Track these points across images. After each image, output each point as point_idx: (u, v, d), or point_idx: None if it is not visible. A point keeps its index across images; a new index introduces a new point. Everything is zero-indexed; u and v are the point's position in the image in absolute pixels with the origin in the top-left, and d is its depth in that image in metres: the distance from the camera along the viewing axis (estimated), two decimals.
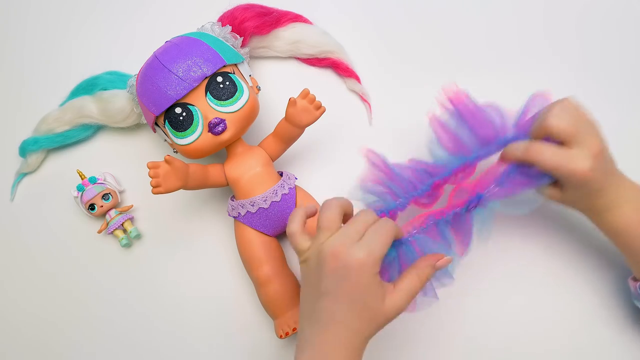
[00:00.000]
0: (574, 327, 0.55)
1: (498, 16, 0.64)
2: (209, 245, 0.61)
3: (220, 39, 0.56)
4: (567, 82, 0.61)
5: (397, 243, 0.45)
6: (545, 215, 0.57)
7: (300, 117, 0.53)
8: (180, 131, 0.52)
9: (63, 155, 0.65)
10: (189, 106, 0.52)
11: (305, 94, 0.52)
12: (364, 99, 0.63)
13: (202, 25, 0.57)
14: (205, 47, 0.53)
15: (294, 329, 0.53)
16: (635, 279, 0.49)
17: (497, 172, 0.47)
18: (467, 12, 0.65)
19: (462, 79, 0.62)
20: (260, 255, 0.55)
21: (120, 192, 0.63)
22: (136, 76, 0.55)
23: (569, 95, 0.46)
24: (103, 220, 0.62)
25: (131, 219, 0.62)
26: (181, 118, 0.52)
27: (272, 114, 0.60)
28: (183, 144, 0.53)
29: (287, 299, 0.54)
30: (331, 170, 0.61)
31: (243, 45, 0.59)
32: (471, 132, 0.47)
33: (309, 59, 0.64)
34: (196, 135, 0.52)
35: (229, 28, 0.57)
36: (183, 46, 0.52)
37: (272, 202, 0.54)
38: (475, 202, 0.46)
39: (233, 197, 0.57)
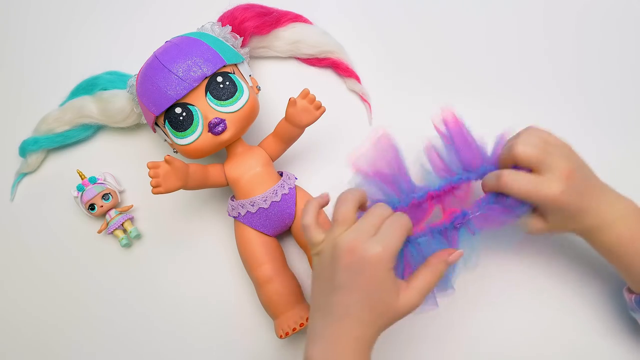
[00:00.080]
0: (570, 338, 0.55)
1: (498, 16, 0.64)
2: (209, 245, 0.61)
3: (220, 39, 0.56)
4: (567, 81, 0.62)
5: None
6: None
7: (300, 117, 0.53)
8: (180, 131, 0.52)
9: (63, 155, 0.65)
10: (189, 106, 0.52)
11: (305, 94, 0.52)
12: (364, 99, 0.63)
13: (202, 25, 0.57)
14: (205, 47, 0.52)
15: (294, 329, 0.53)
16: (630, 291, 0.49)
17: (479, 198, 0.48)
18: (466, 12, 0.65)
19: (463, 78, 0.63)
20: (260, 255, 0.55)
21: (120, 192, 0.63)
22: (136, 76, 0.55)
23: (535, 123, 0.47)
24: (103, 220, 0.62)
25: (131, 219, 0.62)
26: (181, 118, 0.52)
27: (272, 114, 0.60)
28: (183, 144, 0.53)
29: (287, 299, 0.54)
30: (331, 170, 0.60)
31: (243, 45, 0.59)
32: (457, 155, 0.48)
33: (309, 59, 0.64)
34: (196, 135, 0.52)
35: (229, 28, 0.57)
36: (183, 46, 0.52)
37: (272, 202, 0.54)
38: (460, 219, 0.46)
39: (233, 197, 0.57)
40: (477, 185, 0.49)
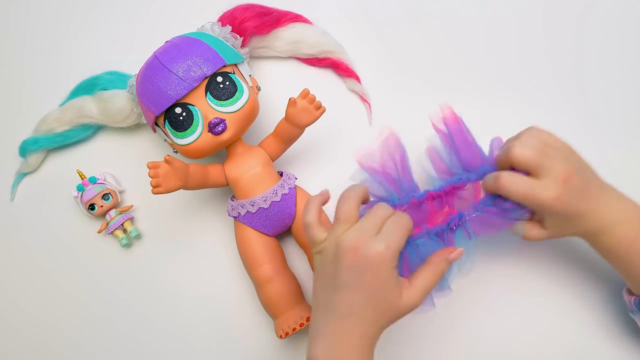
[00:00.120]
0: (569, 338, 0.55)
1: (498, 16, 0.64)
2: (209, 245, 0.61)
3: (220, 39, 0.56)
4: (567, 81, 0.62)
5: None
6: None
7: (300, 117, 0.53)
8: (180, 131, 0.52)
9: (63, 155, 0.65)
10: (189, 106, 0.52)
11: (305, 94, 0.52)
12: (364, 99, 0.63)
13: (202, 25, 0.57)
14: (205, 47, 0.52)
15: (294, 329, 0.53)
16: (630, 292, 0.49)
17: (477, 200, 0.48)
18: (466, 12, 0.65)
19: (463, 79, 0.63)
20: (260, 255, 0.55)
21: (120, 192, 0.63)
22: (136, 76, 0.55)
23: (535, 123, 0.46)
24: (103, 220, 0.62)
25: (131, 219, 0.62)
26: (181, 118, 0.52)
27: (272, 114, 0.60)
28: (183, 144, 0.53)
29: (287, 299, 0.54)
30: (331, 170, 0.60)
31: (243, 45, 0.59)
32: (457, 155, 0.48)
33: (309, 59, 0.64)
34: (196, 135, 0.52)
35: (229, 28, 0.57)
36: (183, 46, 0.52)
37: (272, 202, 0.54)
38: (456, 220, 0.46)
39: (233, 197, 0.57)
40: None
